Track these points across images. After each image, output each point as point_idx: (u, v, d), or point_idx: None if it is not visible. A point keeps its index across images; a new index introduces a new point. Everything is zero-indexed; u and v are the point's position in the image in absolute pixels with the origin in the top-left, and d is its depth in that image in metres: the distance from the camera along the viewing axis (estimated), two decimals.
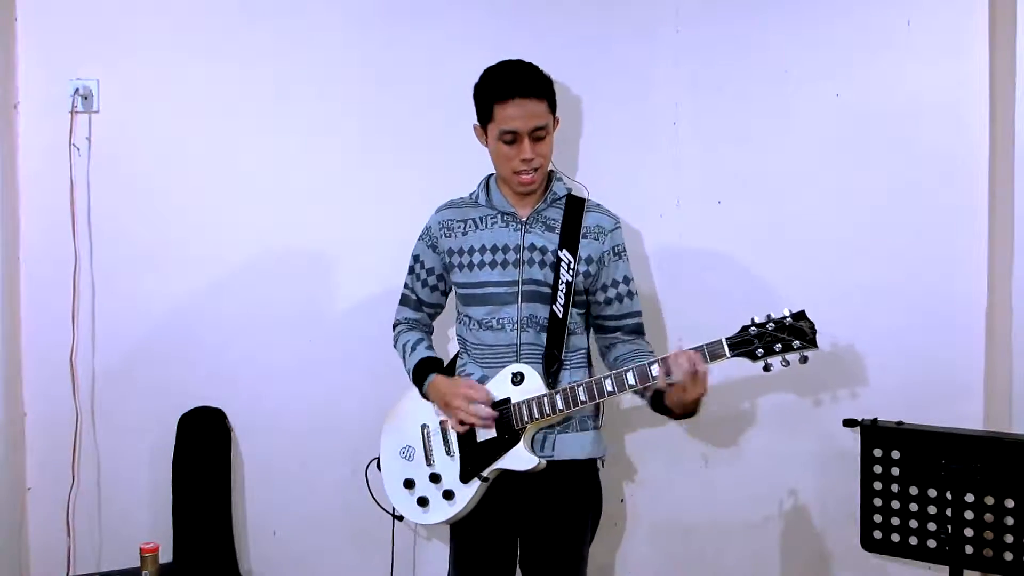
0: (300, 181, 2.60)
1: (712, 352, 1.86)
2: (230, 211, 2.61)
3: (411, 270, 2.18)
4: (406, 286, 2.20)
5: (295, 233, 2.61)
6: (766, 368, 1.87)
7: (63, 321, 2.60)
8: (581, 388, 1.93)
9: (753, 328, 1.86)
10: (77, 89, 2.56)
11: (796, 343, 1.84)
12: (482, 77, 2.02)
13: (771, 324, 1.86)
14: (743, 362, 1.88)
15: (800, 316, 1.86)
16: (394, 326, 2.23)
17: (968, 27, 2.34)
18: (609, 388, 1.92)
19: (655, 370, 1.88)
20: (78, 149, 2.59)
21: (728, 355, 1.86)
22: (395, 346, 2.20)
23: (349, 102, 2.59)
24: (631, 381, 1.91)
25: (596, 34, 2.52)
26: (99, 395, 2.65)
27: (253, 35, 2.58)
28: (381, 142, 2.59)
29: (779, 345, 1.85)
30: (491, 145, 2.02)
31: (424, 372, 2.09)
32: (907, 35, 2.38)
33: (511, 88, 1.94)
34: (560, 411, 1.95)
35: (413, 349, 2.13)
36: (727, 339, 1.86)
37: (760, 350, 1.85)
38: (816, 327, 1.85)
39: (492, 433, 2.00)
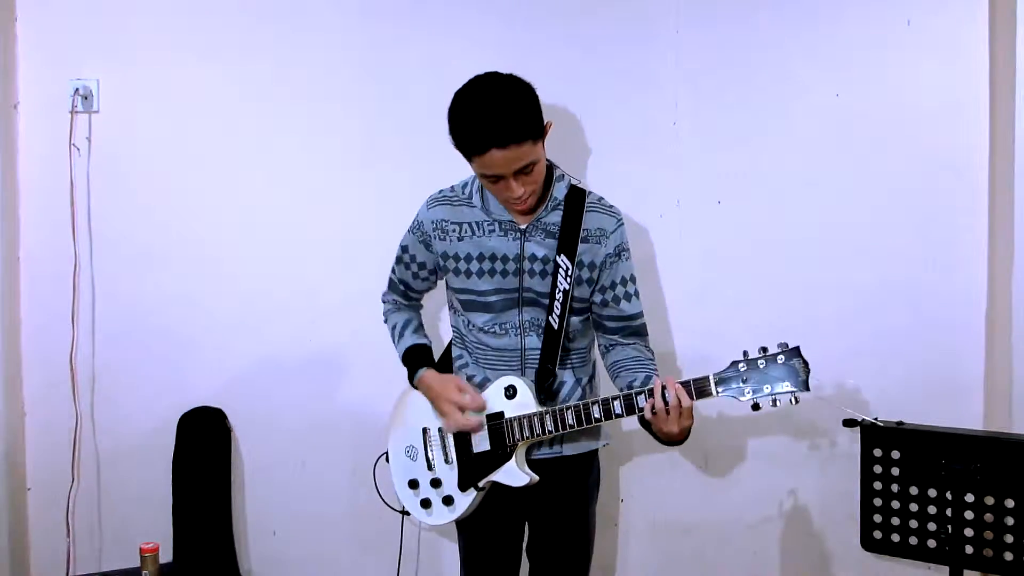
0: (300, 181, 2.60)
1: (699, 388, 1.81)
2: (230, 211, 2.61)
3: (399, 260, 2.12)
4: (394, 272, 2.15)
5: (295, 233, 2.61)
6: (755, 407, 1.80)
7: (63, 321, 2.60)
8: (570, 412, 1.90)
9: (743, 364, 1.79)
10: (77, 89, 2.56)
11: (787, 385, 1.77)
12: (454, 115, 1.83)
13: (762, 361, 1.79)
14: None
15: (794, 354, 1.78)
16: (383, 301, 2.20)
17: (968, 27, 2.34)
18: (596, 415, 1.89)
19: (641, 401, 1.84)
20: (78, 149, 2.59)
21: (716, 393, 1.81)
22: (384, 321, 2.18)
23: (349, 102, 2.58)
24: (618, 411, 1.87)
25: (596, 34, 2.52)
26: (99, 395, 2.65)
27: (253, 35, 2.58)
28: (381, 142, 2.59)
29: (769, 386, 1.78)
30: (476, 176, 1.93)
31: (413, 363, 2.06)
32: (907, 35, 2.38)
33: (486, 140, 1.76)
34: (550, 432, 1.93)
35: (402, 334, 2.11)
36: (715, 375, 1.81)
37: (748, 390, 1.78)
38: (810, 367, 1.77)
39: (487, 445, 1.99)
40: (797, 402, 1.78)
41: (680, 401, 1.79)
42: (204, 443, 2.59)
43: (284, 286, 2.62)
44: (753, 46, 2.47)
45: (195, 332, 2.63)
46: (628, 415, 1.87)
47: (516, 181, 1.83)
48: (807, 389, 1.78)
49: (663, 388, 1.80)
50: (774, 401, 1.79)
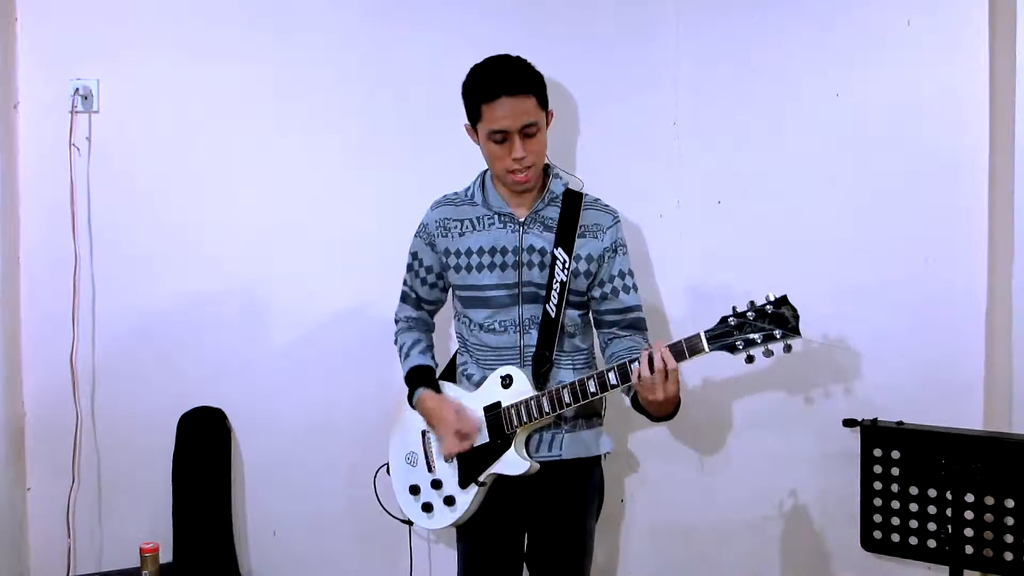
0: (300, 181, 2.60)
1: (691, 347, 1.80)
2: (230, 211, 2.61)
3: (410, 267, 2.15)
4: (405, 283, 2.18)
5: (295, 233, 2.61)
6: (749, 360, 1.78)
7: (63, 321, 2.60)
8: (566, 390, 1.91)
9: (732, 319, 1.78)
10: (77, 89, 2.56)
11: (778, 332, 1.75)
12: (469, 76, 1.97)
13: (751, 313, 1.77)
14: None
15: (782, 302, 1.76)
16: (395, 321, 2.23)
17: (968, 27, 2.34)
18: (592, 389, 1.89)
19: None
20: (78, 149, 2.59)
21: (707, 349, 1.79)
22: (394, 343, 2.20)
23: (349, 102, 2.58)
24: (612, 381, 1.87)
25: (596, 34, 2.52)
26: (99, 395, 2.65)
27: (253, 35, 2.58)
28: (381, 142, 2.59)
29: (760, 335, 1.76)
30: (482, 144, 1.98)
31: (414, 383, 2.08)
32: (907, 35, 2.38)
33: (497, 87, 1.89)
34: (547, 413, 1.93)
35: (407, 354, 2.13)
36: (706, 332, 1.80)
37: (740, 342, 1.77)
38: (799, 312, 1.76)
39: (486, 437, 2.00)
40: (790, 350, 1.76)
41: (665, 364, 1.79)
42: (204, 443, 2.59)
43: (284, 286, 2.62)
44: (753, 46, 2.47)
45: (195, 332, 2.63)
46: (623, 383, 1.87)
47: (520, 142, 1.91)
48: (798, 334, 1.76)
49: (649, 355, 1.81)
50: (768, 352, 1.77)
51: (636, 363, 1.84)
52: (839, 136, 2.43)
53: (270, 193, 2.61)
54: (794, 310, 1.76)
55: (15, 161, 2.60)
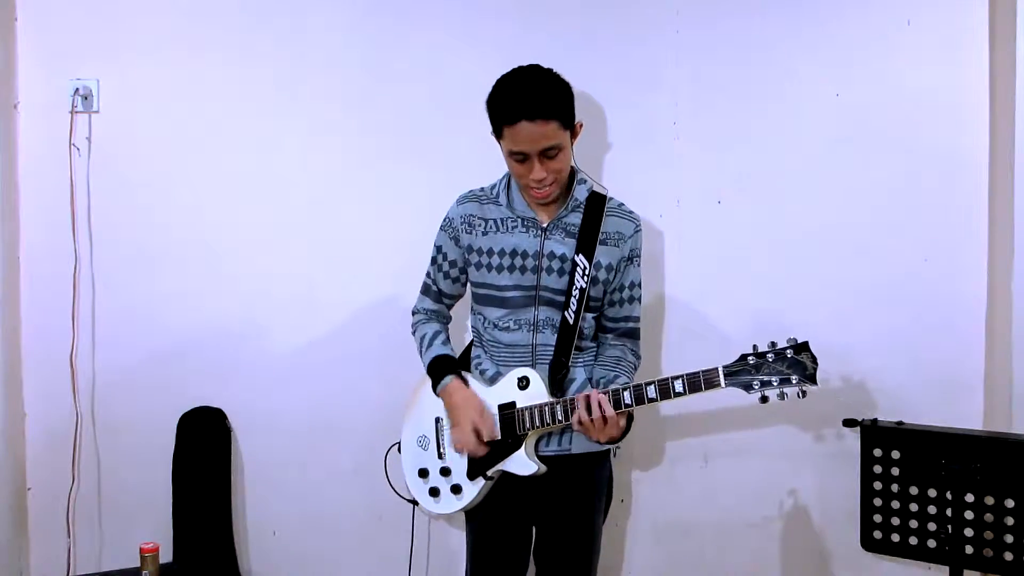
0: (300, 181, 2.60)
1: (707, 380, 1.85)
2: (230, 211, 2.61)
3: (433, 260, 2.16)
4: (428, 275, 2.19)
5: (295, 233, 2.61)
6: (763, 400, 1.83)
7: (63, 321, 2.60)
8: (580, 402, 1.93)
9: (752, 358, 1.83)
10: (77, 89, 2.56)
11: (795, 378, 1.81)
12: (493, 91, 1.94)
13: (771, 355, 1.83)
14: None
15: (802, 348, 1.82)
16: (413, 313, 2.24)
17: (968, 27, 2.35)
18: None
19: (651, 391, 1.89)
20: (78, 149, 2.59)
21: (723, 385, 1.84)
22: (413, 334, 2.21)
23: (349, 102, 2.58)
24: (627, 400, 1.91)
25: (597, 34, 2.52)
26: (99, 395, 2.65)
27: (253, 35, 2.58)
28: (382, 142, 2.59)
29: (777, 378, 1.82)
30: (504, 157, 1.99)
31: (440, 371, 2.09)
32: (907, 35, 2.38)
33: (518, 111, 1.87)
34: (560, 422, 1.96)
35: (430, 344, 2.14)
36: (724, 367, 1.85)
37: (756, 382, 1.82)
38: (818, 361, 1.81)
39: (497, 435, 2.02)
40: (804, 395, 1.82)
41: (603, 410, 1.87)
42: (204, 443, 2.59)
43: (284, 286, 2.62)
44: (753, 46, 2.47)
45: (195, 332, 2.63)
46: (637, 405, 1.91)
47: (540, 163, 1.91)
48: (815, 383, 1.82)
49: (587, 399, 1.88)
50: (781, 395, 1.83)
51: (653, 385, 1.88)
52: (839, 136, 2.44)
53: (270, 193, 2.61)
54: (814, 358, 1.82)
55: (15, 161, 2.59)
